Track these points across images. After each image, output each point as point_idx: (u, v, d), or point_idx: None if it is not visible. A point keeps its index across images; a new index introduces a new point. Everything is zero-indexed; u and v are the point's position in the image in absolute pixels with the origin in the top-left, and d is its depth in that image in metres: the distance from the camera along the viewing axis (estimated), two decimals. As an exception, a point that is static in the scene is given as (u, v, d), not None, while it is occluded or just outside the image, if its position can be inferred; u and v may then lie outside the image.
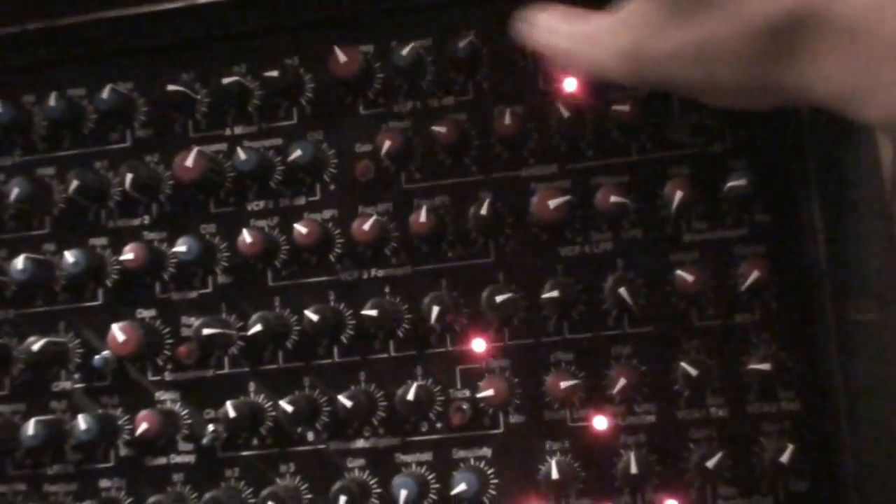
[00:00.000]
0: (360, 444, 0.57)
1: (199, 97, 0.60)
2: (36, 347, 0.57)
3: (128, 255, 0.57)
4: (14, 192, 0.58)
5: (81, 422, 0.56)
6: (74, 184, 0.58)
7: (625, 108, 0.54)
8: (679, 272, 0.52)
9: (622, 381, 0.52)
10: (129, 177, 0.57)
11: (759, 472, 0.53)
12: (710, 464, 0.51)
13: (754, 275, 0.52)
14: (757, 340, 0.54)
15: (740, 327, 0.54)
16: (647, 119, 0.56)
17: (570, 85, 0.57)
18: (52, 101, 0.59)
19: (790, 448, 0.50)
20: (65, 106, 0.60)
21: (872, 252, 0.52)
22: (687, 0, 0.41)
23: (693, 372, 0.52)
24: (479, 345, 0.56)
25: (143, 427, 0.56)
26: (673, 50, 0.43)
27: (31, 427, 0.57)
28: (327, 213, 0.59)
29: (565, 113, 0.54)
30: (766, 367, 0.51)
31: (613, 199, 0.53)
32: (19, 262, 0.58)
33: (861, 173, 0.52)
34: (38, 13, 0.62)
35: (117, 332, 0.56)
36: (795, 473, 0.51)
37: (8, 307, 0.61)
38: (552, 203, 0.53)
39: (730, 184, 0.53)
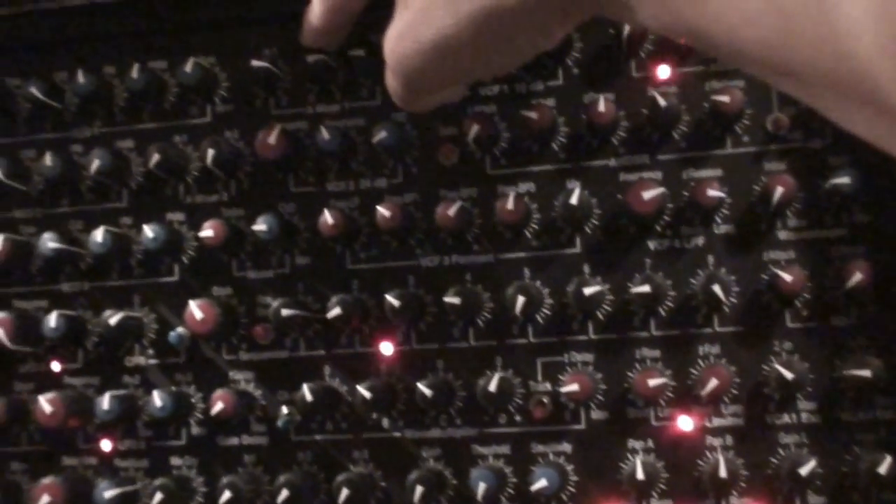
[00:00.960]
0: (437, 433, 0.56)
1: (282, 74, 0.59)
2: (113, 321, 0.56)
3: (207, 231, 0.56)
4: (94, 164, 0.57)
5: (157, 399, 0.55)
6: (155, 157, 0.57)
7: (725, 98, 0.52)
8: (778, 271, 0.51)
9: (714, 382, 0.50)
10: (210, 153, 0.56)
11: (852, 483, 0.51)
12: (804, 471, 0.49)
13: (856, 277, 0.50)
14: (853, 345, 0.52)
15: (836, 330, 0.52)
16: (746, 111, 0.54)
17: (663, 72, 0.55)
18: (134, 73, 0.58)
19: (888, 459, 0.48)
20: (147, 78, 0.59)
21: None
22: None
23: (788, 375, 0.50)
24: (561, 338, 0.55)
25: (218, 406, 0.55)
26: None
27: (105, 401, 0.56)
28: (409, 197, 0.57)
29: (661, 102, 0.52)
30: (864, 373, 0.49)
31: (711, 192, 0.52)
32: (98, 235, 0.57)
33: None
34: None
35: (195, 309, 0.56)
36: (893, 486, 0.49)
37: (83, 279, 0.60)
38: (647, 195, 0.52)
39: (832, 181, 0.51)
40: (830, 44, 0.26)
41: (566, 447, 0.54)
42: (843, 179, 0.51)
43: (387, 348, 0.57)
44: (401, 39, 0.43)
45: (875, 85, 0.25)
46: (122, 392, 0.58)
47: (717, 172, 0.54)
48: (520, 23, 0.40)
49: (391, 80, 0.46)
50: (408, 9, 0.42)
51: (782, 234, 0.53)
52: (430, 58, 0.42)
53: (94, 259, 0.59)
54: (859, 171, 0.51)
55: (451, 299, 0.53)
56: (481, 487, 0.52)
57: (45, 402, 0.56)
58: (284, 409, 0.57)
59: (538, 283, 0.55)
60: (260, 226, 0.56)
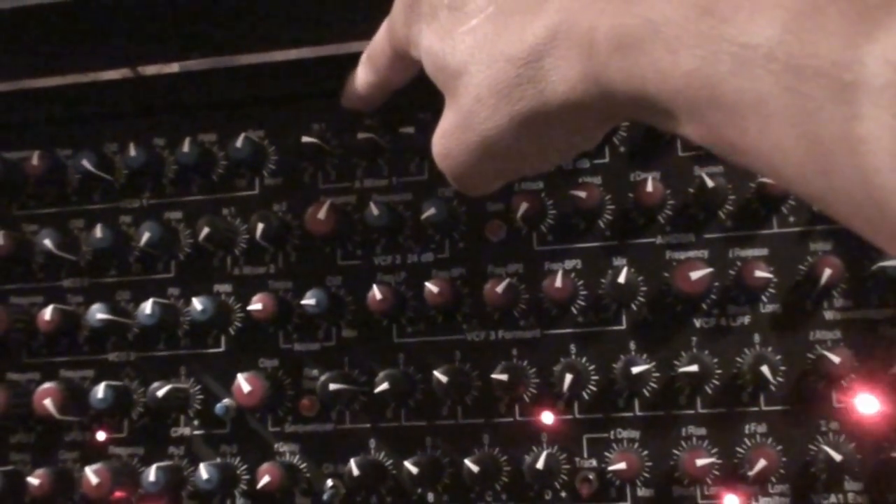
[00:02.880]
0: (482, 509, 0.56)
1: (331, 149, 0.60)
2: (161, 394, 0.57)
3: (256, 305, 0.57)
4: (145, 237, 0.58)
5: (203, 471, 0.56)
6: (205, 230, 0.58)
7: (771, 181, 0.53)
8: (825, 352, 0.51)
9: (762, 463, 0.51)
10: (260, 226, 0.57)
11: (901, 565, 0.51)
12: (855, 555, 0.49)
13: (905, 360, 0.50)
14: (902, 427, 0.52)
15: (883, 413, 0.52)
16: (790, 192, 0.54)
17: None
18: (185, 146, 0.59)
19: (939, 544, 0.48)
20: (197, 151, 0.60)
21: None
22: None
23: (837, 457, 0.50)
24: (607, 414, 0.55)
25: (265, 480, 0.55)
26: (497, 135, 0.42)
27: (152, 473, 0.56)
28: (455, 272, 0.58)
29: (709, 182, 0.53)
30: (912, 456, 0.49)
31: (759, 273, 0.52)
32: (147, 307, 0.58)
33: None
34: (170, 58, 0.62)
35: (243, 382, 0.56)
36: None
37: (130, 350, 0.61)
38: (694, 275, 0.52)
39: (881, 264, 0.51)
40: (860, 178, 0.27)
41: (613, 524, 0.55)
42: (892, 262, 0.51)
43: (432, 423, 0.57)
44: (446, 139, 0.44)
45: None
46: (167, 463, 0.58)
47: (764, 252, 0.55)
48: (562, 126, 0.41)
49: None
50: (454, 109, 0.43)
51: (829, 314, 0.54)
52: (475, 159, 0.43)
53: (141, 330, 0.60)
54: (904, 252, 0.52)
55: (499, 376, 0.54)
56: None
57: (91, 473, 0.56)
58: (329, 483, 0.57)
59: (584, 360, 0.56)
60: (309, 300, 0.56)
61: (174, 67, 0.61)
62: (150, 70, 0.61)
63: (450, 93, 0.44)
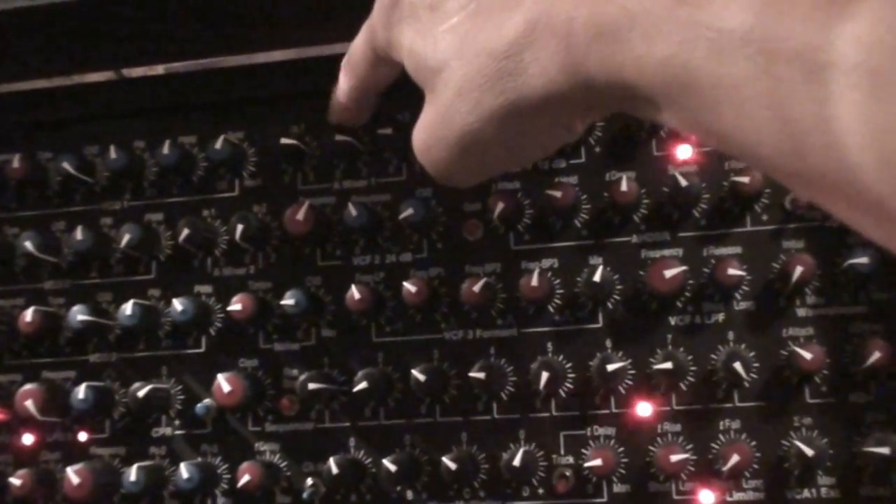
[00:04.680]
0: (461, 506, 0.56)
1: (309, 150, 0.60)
2: (142, 394, 0.57)
3: (236, 305, 0.57)
4: (125, 238, 0.59)
5: (184, 470, 0.56)
6: (185, 232, 0.58)
7: (744, 179, 0.54)
8: (797, 349, 0.52)
9: (735, 458, 0.51)
10: (239, 227, 0.58)
11: (873, 559, 0.51)
12: (826, 548, 0.50)
13: (875, 355, 0.51)
14: (873, 421, 0.53)
15: (855, 407, 0.53)
16: (765, 189, 0.55)
17: (684, 152, 0.57)
18: (165, 148, 0.60)
19: (909, 536, 0.49)
20: (177, 153, 0.60)
21: None
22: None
23: (809, 452, 0.51)
24: (584, 411, 0.56)
25: (245, 479, 0.56)
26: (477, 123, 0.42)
27: (133, 473, 0.57)
28: (433, 271, 0.59)
29: (682, 182, 0.54)
30: (883, 450, 0.50)
31: (731, 271, 0.53)
32: (128, 308, 0.58)
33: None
34: (153, 61, 0.63)
35: (223, 382, 0.56)
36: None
37: (111, 351, 0.61)
38: (668, 273, 0.53)
39: (851, 261, 0.52)
40: (834, 156, 0.28)
41: (589, 521, 0.55)
42: (862, 259, 0.52)
43: (411, 421, 0.57)
44: (426, 134, 0.45)
45: (878, 198, 0.27)
46: (148, 463, 0.59)
47: (737, 250, 0.56)
48: (543, 119, 0.41)
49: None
50: (434, 104, 0.44)
51: (801, 311, 0.54)
52: (455, 153, 0.43)
53: (122, 331, 0.60)
54: (877, 249, 0.52)
55: (477, 374, 0.54)
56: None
57: (72, 474, 0.56)
58: (310, 481, 0.57)
59: (561, 358, 0.56)
60: (288, 300, 0.57)
61: (157, 70, 0.62)
62: (133, 73, 0.61)
63: (430, 89, 0.44)
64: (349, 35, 0.56)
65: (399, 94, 0.59)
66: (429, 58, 0.43)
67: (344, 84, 0.56)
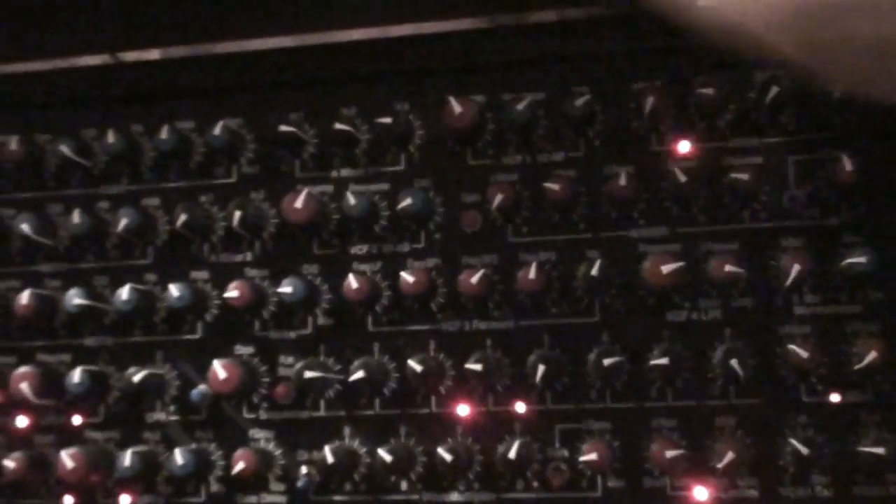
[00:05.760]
0: (455, 497, 0.57)
1: (308, 138, 0.60)
2: (137, 378, 0.57)
3: (232, 292, 0.57)
4: (122, 222, 0.58)
5: (178, 456, 0.56)
6: (183, 217, 0.58)
7: (744, 176, 0.54)
8: (792, 347, 0.52)
9: (730, 456, 0.51)
10: (237, 214, 0.57)
11: (864, 557, 0.52)
12: (818, 546, 0.50)
13: (871, 356, 0.51)
14: (868, 421, 0.53)
15: (851, 406, 0.53)
16: (763, 187, 0.55)
17: (683, 147, 0.57)
18: (163, 133, 0.60)
19: (901, 536, 0.49)
20: (175, 138, 0.60)
21: None
22: None
23: (804, 450, 0.51)
24: (579, 405, 0.56)
25: (239, 466, 0.56)
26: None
27: (127, 457, 0.57)
28: (431, 262, 0.58)
29: (681, 177, 0.54)
30: (879, 450, 0.50)
31: (728, 268, 0.53)
32: (124, 293, 0.58)
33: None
34: (150, 45, 0.62)
35: (219, 368, 0.56)
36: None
37: (107, 335, 0.61)
38: (665, 269, 0.53)
39: (849, 260, 0.52)
40: None
41: (583, 515, 0.55)
42: (859, 259, 0.52)
43: (407, 412, 0.57)
44: None
45: None
46: (143, 448, 0.59)
47: (735, 246, 0.55)
48: None
49: None
50: None
51: (798, 310, 0.54)
52: None
53: (118, 315, 0.60)
54: (874, 249, 0.52)
55: (474, 366, 0.54)
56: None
57: (66, 457, 0.57)
58: (304, 470, 0.57)
59: (557, 351, 0.56)
60: (286, 288, 0.57)
61: (154, 54, 0.61)
62: (130, 57, 0.61)
63: None
64: (349, 22, 0.56)
65: (397, 81, 0.59)
66: None
67: None
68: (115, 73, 0.63)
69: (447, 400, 0.57)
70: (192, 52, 0.60)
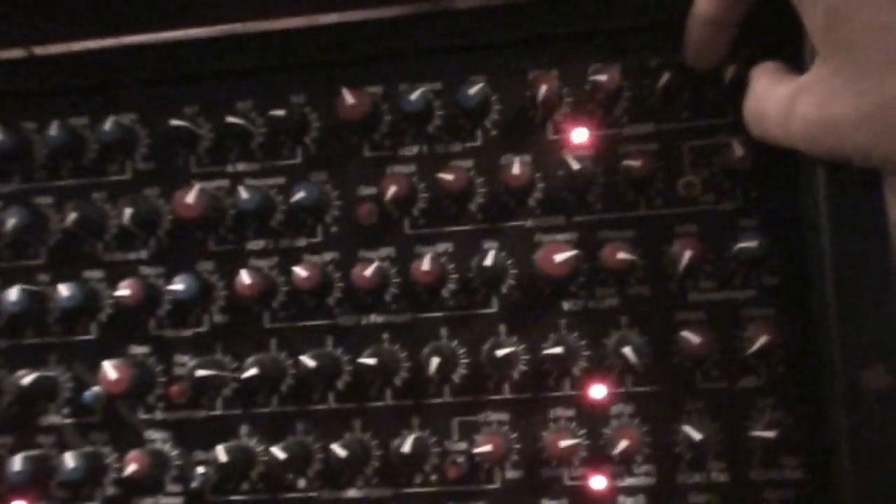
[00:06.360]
0: (353, 493, 0.56)
1: (202, 132, 0.59)
2: (26, 382, 0.56)
3: (123, 291, 0.56)
4: (11, 222, 0.57)
5: (69, 460, 0.55)
6: (73, 216, 0.57)
7: (636, 162, 0.53)
8: (685, 333, 0.51)
9: (624, 443, 0.51)
10: (128, 211, 0.56)
11: (759, 542, 0.51)
12: (711, 532, 0.50)
13: (762, 339, 0.51)
14: (762, 405, 0.53)
15: (745, 391, 0.53)
16: (657, 174, 0.55)
17: (579, 136, 0.56)
18: (53, 129, 0.58)
19: (794, 519, 0.49)
20: (66, 135, 0.59)
21: (886, 317, 0.51)
22: (868, 63, 0.37)
23: (696, 436, 0.50)
24: (477, 397, 0.55)
25: (131, 468, 0.55)
26: (858, 116, 0.38)
27: (17, 462, 0.55)
28: (328, 256, 0.58)
29: (574, 165, 0.53)
30: (769, 434, 0.50)
31: (620, 255, 0.53)
32: (13, 294, 0.57)
33: (876, 236, 0.51)
34: (42, 39, 0.61)
35: (109, 369, 0.55)
36: (798, 546, 0.50)
37: (-2, 337, 0.60)
38: (558, 258, 0.52)
39: (740, 245, 0.52)
40: None
41: (481, 507, 0.55)
42: (752, 243, 0.52)
43: (304, 408, 0.56)
44: (837, 109, 0.40)
45: None
46: (35, 452, 0.57)
47: (630, 234, 0.55)
48: None
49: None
50: (853, 65, 0.38)
51: (693, 296, 0.54)
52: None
53: (8, 317, 0.59)
54: (768, 234, 0.52)
55: (367, 360, 0.54)
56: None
57: (-45, 464, 0.55)
58: (200, 469, 0.56)
59: (455, 343, 0.55)
60: (177, 286, 0.55)
61: (48, 50, 0.60)
62: (17, 53, 0.60)
63: (838, 40, 0.39)
64: (243, 15, 0.55)
65: (292, 73, 0.59)
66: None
67: (706, 5, 0.49)
68: (4, 70, 0.61)
69: (345, 395, 0.56)
70: (78, 48, 0.59)
